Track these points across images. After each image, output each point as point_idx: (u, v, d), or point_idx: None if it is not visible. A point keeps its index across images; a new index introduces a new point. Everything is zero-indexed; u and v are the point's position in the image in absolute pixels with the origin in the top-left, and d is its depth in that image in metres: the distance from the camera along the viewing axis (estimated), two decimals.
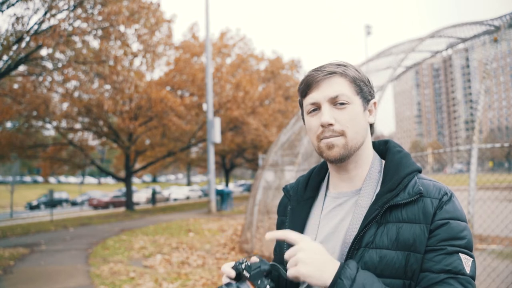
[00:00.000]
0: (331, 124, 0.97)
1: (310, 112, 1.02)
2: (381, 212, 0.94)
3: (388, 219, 0.94)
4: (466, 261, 0.88)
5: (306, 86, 1.01)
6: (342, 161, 1.00)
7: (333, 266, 0.87)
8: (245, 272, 0.95)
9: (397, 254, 0.90)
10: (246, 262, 0.98)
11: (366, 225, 0.94)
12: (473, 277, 0.88)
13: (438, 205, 0.92)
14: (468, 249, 0.90)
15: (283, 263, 1.09)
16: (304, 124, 1.08)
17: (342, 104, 0.97)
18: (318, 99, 0.99)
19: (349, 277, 0.84)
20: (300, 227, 1.07)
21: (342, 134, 0.98)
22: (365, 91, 1.02)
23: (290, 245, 1.07)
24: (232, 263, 1.00)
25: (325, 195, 1.10)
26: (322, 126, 0.98)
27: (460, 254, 0.88)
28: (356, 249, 0.94)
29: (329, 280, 0.85)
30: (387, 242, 0.92)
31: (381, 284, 0.86)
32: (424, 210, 0.92)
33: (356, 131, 0.99)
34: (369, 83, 1.05)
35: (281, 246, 1.13)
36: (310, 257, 0.86)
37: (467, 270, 0.87)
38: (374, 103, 1.06)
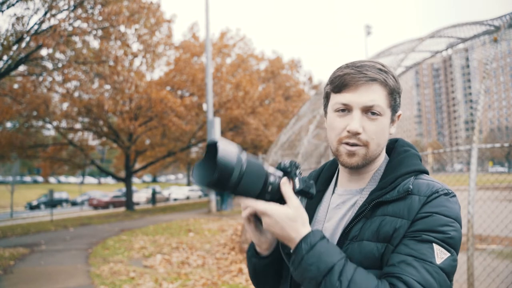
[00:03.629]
0: (358, 133, 0.95)
1: (338, 111, 0.98)
2: (368, 208, 0.94)
3: (375, 213, 0.95)
4: (439, 253, 0.85)
5: (342, 84, 0.96)
6: (357, 168, 1.01)
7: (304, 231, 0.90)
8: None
9: (376, 246, 0.91)
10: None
11: (353, 220, 0.96)
12: (443, 270, 0.84)
13: (424, 201, 0.91)
14: (446, 243, 0.86)
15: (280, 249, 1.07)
16: (325, 117, 1.05)
17: (374, 114, 0.95)
18: (352, 102, 0.95)
19: (309, 242, 0.87)
20: (309, 219, 1.09)
21: (366, 144, 0.96)
22: (397, 103, 1.00)
23: None
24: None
25: (333, 191, 1.11)
26: (349, 132, 0.95)
27: (434, 244, 0.85)
28: (343, 243, 0.96)
29: (296, 240, 0.89)
30: (369, 234, 0.92)
31: (343, 256, 0.87)
32: (410, 206, 0.91)
33: (378, 144, 0.98)
34: (401, 93, 1.02)
35: None
36: (281, 220, 0.89)
37: (437, 261, 0.84)
38: (399, 116, 1.04)
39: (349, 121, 0.95)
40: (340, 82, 0.97)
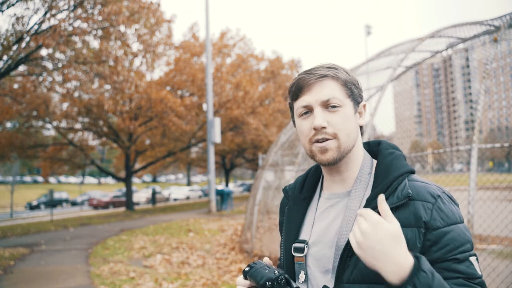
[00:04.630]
0: (324, 127, 0.97)
1: (302, 115, 1.02)
2: None
3: None
4: (474, 263, 0.90)
5: (298, 89, 1.01)
6: (334, 164, 1.01)
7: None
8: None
9: None
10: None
11: None
12: (482, 275, 0.91)
13: (433, 208, 0.92)
14: (472, 248, 0.92)
15: (287, 258, 1.08)
16: (295, 126, 1.08)
17: (334, 107, 0.98)
18: (310, 102, 0.99)
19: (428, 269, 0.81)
20: (296, 227, 1.08)
21: (334, 137, 0.98)
22: (355, 93, 1.03)
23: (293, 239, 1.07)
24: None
25: (320, 195, 1.11)
26: (315, 129, 0.98)
27: (470, 258, 0.90)
28: (349, 256, 0.93)
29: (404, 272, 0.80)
30: None
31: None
32: (416, 213, 0.92)
33: (348, 134, 0.99)
34: (359, 85, 1.06)
35: (288, 240, 1.12)
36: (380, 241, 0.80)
37: (478, 271, 0.89)
38: (364, 106, 1.07)
39: (313, 119, 0.99)
40: (295, 89, 1.02)
